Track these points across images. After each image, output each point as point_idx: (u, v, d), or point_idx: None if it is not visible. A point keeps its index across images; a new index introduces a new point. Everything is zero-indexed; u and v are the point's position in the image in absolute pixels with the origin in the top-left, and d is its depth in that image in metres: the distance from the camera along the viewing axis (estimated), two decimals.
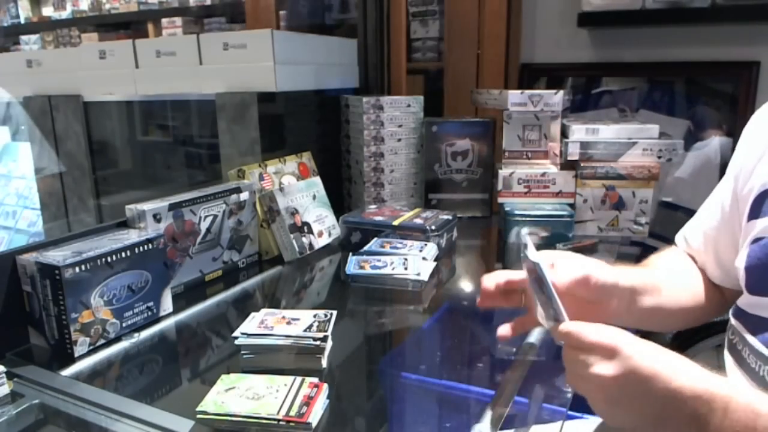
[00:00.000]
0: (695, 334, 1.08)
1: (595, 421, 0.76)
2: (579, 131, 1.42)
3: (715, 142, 1.79)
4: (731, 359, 0.66)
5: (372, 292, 1.11)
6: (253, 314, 0.87)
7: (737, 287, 0.67)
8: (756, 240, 0.62)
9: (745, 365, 0.63)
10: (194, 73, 1.47)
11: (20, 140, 2.01)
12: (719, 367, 0.67)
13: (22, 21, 3.55)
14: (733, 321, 0.66)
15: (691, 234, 0.81)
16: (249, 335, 0.81)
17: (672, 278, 0.78)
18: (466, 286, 1.19)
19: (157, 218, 1.03)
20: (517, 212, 1.38)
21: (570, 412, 0.71)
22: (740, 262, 0.65)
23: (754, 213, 0.64)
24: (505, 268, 0.71)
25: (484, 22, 1.89)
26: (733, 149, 1.93)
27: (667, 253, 0.85)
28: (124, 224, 1.03)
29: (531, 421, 0.70)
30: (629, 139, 1.40)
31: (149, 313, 0.96)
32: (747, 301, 0.64)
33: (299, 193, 1.31)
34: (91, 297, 0.86)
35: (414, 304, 1.10)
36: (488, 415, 0.60)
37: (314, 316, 0.85)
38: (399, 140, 1.59)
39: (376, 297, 1.10)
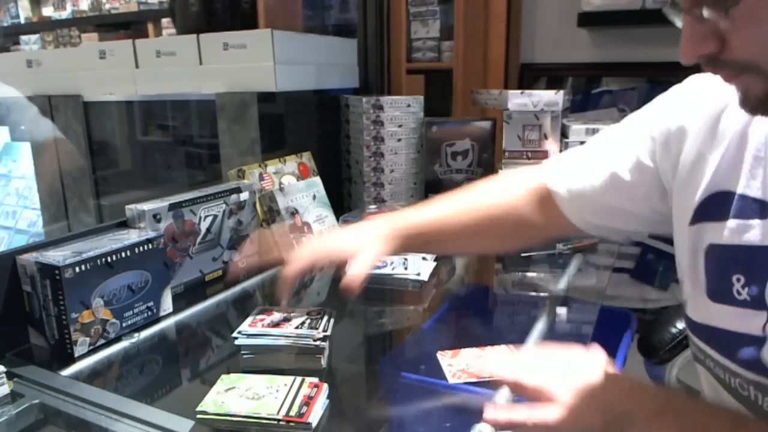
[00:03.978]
0: (684, 340, 1.09)
1: None
2: (579, 131, 1.41)
3: None
4: (703, 370, 0.65)
5: (372, 292, 1.11)
6: (253, 314, 0.87)
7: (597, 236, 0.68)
8: (712, 246, 0.59)
9: (716, 376, 0.61)
10: (194, 73, 1.47)
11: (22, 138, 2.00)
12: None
13: (22, 21, 3.55)
14: (693, 338, 0.64)
15: (565, 180, 0.77)
16: (249, 335, 0.81)
17: (490, 200, 0.83)
18: (466, 286, 1.19)
19: (157, 218, 1.03)
20: None
21: None
22: (694, 265, 0.61)
23: (708, 215, 0.60)
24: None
25: (485, 23, 1.89)
26: None
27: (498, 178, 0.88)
28: (124, 224, 1.03)
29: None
30: None
31: (149, 313, 0.96)
32: (706, 311, 0.60)
33: (299, 193, 1.31)
34: (91, 297, 0.86)
35: (414, 304, 1.10)
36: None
37: (314, 315, 0.85)
38: (399, 140, 1.59)
39: (376, 297, 1.10)
